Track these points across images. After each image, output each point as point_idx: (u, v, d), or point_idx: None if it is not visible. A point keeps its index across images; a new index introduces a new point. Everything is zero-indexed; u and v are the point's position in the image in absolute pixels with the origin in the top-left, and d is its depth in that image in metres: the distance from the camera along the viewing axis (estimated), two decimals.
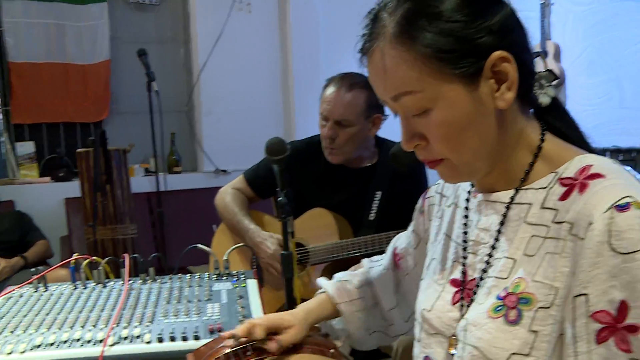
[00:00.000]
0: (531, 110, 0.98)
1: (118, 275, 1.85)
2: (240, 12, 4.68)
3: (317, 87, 2.35)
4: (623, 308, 0.76)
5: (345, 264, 2.00)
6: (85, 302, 1.62)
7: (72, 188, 3.76)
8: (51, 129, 4.37)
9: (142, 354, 1.36)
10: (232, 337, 1.13)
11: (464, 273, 1.00)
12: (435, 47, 0.86)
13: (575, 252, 0.81)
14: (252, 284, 1.78)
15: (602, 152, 0.94)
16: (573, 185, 0.86)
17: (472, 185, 1.05)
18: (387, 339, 1.36)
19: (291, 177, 2.26)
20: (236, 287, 1.75)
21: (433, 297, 1.03)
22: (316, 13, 4.75)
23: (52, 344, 1.37)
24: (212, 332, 1.40)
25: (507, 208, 0.93)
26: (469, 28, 0.86)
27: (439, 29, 0.86)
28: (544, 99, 0.95)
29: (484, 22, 0.87)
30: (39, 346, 1.36)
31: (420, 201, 1.24)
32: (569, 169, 0.89)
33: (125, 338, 1.40)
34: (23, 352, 1.33)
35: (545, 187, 0.90)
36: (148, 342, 1.38)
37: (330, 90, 2.19)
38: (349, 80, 2.16)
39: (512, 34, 0.89)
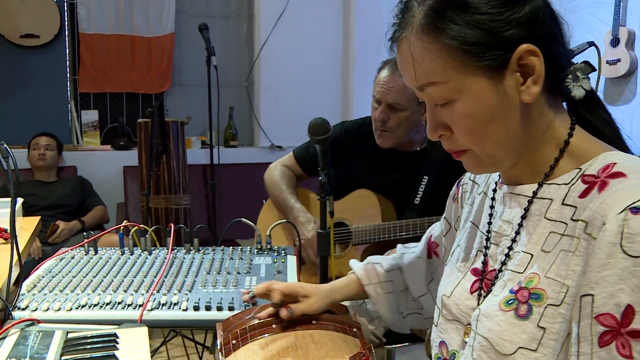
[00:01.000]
0: (564, 103, 0.95)
1: (164, 244, 1.92)
2: None
3: (377, 68, 2.33)
4: (629, 312, 0.73)
5: (387, 246, 2.01)
6: (130, 268, 1.69)
7: (131, 157, 3.89)
8: (115, 99, 4.52)
9: (178, 320, 1.42)
10: (248, 293, 1.16)
11: (484, 263, 0.99)
12: (461, 39, 0.84)
13: (587, 251, 0.80)
14: (291, 260, 1.82)
15: None
16: (594, 183, 0.83)
17: (500, 176, 1.04)
18: (423, 321, 1.36)
19: (340, 156, 2.27)
20: (276, 262, 1.79)
21: (453, 284, 1.03)
22: None
23: (95, 305, 1.44)
24: (246, 304, 1.44)
25: (530, 202, 0.92)
26: (496, 20, 0.84)
27: (466, 21, 0.84)
28: (577, 92, 0.92)
29: (513, 14, 0.84)
30: (83, 306, 1.43)
31: (454, 188, 1.23)
32: (593, 166, 0.86)
33: (164, 304, 1.46)
34: (69, 310, 1.40)
35: (567, 184, 0.88)
36: (185, 310, 1.43)
37: (385, 73, 2.18)
38: None
39: (541, 26, 0.87)
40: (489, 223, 1.01)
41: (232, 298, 1.48)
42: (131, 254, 1.82)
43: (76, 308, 1.42)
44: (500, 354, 0.85)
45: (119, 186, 4.09)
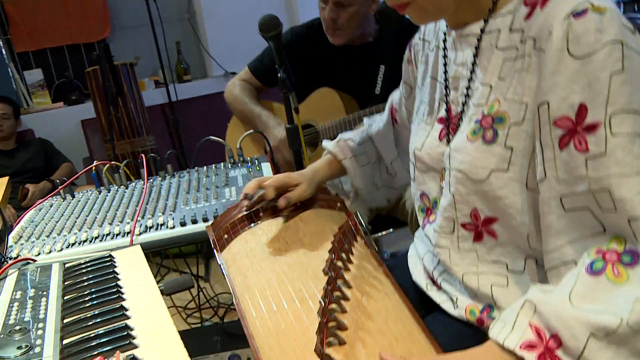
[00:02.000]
0: None
1: (139, 177, 1.94)
2: None
3: None
4: (582, 111, 0.78)
5: None
6: (110, 203, 1.71)
7: (87, 110, 3.82)
8: (56, 54, 4.37)
9: (168, 239, 1.46)
10: (245, 196, 1.20)
11: (448, 110, 1.03)
12: None
13: (540, 65, 0.84)
14: (266, 167, 1.85)
15: None
16: (536, 3, 0.87)
17: (447, 26, 1.06)
18: (393, 192, 1.43)
19: (295, 62, 2.27)
20: (251, 171, 1.82)
21: (423, 137, 1.07)
22: None
23: (85, 241, 1.47)
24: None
25: (479, 39, 0.95)
26: None
27: None
28: None
29: None
30: (73, 244, 1.46)
31: (406, 52, 1.26)
32: None
33: (151, 227, 1.50)
34: (60, 250, 1.43)
35: (511, 12, 0.91)
36: (172, 227, 1.48)
37: None
38: None
39: None
40: (445, 72, 1.05)
41: (216, 209, 1.53)
42: (108, 192, 1.84)
43: (67, 247, 1.46)
44: (476, 182, 0.91)
45: (80, 141, 4.03)
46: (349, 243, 1.10)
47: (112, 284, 1.09)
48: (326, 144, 1.40)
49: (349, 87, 2.28)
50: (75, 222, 1.61)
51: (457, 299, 1.01)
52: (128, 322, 0.94)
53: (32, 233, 1.56)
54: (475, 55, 0.96)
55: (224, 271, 1.12)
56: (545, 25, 0.82)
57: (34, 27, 4.24)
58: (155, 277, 1.12)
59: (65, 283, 1.13)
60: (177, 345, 0.87)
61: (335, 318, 0.90)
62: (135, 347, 0.87)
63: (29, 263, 1.29)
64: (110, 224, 1.56)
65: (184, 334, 0.88)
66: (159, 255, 2.64)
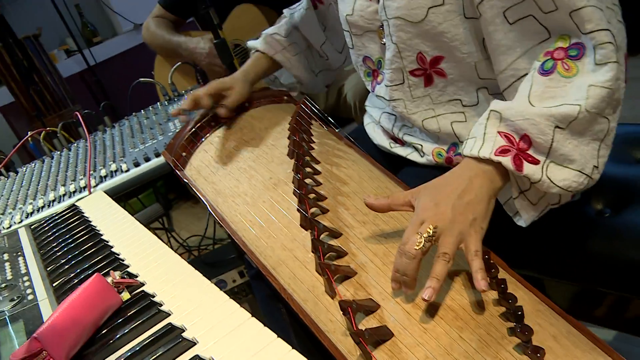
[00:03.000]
0: None
1: (79, 138, 1.89)
2: None
3: None
4: None
5: None
6: (58, 167, 1.67)
7: (2, 95, 3.63)
8: None
9: (127, 182, 1.44)
10: (181, 112, 1.20)
11: None
12: None
13: None
14: None
15: None
16: None
17: None
18: (330, 74, 1.43)
19: None
20: None
21: (351, 1, 1.06)
22: None
23: (43, 207, 1.44)
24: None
25: None
26: None
27: None
28: None
29: None
30: (31, 213, 1.43)
31: None
32: None
33: (106, 176, 1.47)
34: (20, 221, 1.40)
35: None
36: (127, 171, 1.46)
37: None
38: None
39: None
40: None
41: (165, 143, 1.51)
42: (52, 158, 1.78)
43: (26, 217, 1.42)
44: (415, 24, 0.92)
45: (5, 129, 3.85)
46: (306, 124, 1.11)
47: (85, 226, 1.08)
48: (252, 43, 1.38)
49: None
50: (28, 192, 1.57)
51: (422, 146, 1.04)
52: (113, 249, 0.94)
53: None
54: None
55: (191, 186, 1.12)
56: None
57: None
58: None
59: (37, 240, 1.12)
60: (167, 254, 0.88)
61: (312, 189, 0.92)
62: (127, 266, 0.88)
63: None
64: (64, 185, 1.52)
65: None
66: None
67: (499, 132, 0.79)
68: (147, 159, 1.47)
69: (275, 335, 0.63)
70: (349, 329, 0.71)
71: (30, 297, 0.87)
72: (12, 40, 2.86)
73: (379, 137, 1.16)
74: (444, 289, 0.74)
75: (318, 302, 0.78)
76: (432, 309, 0.71)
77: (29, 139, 1.84)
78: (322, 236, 0.84)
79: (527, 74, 0.84)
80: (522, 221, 0.85)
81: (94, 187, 1.44)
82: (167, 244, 2.41)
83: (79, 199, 1.35)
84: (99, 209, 1.18)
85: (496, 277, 0.75)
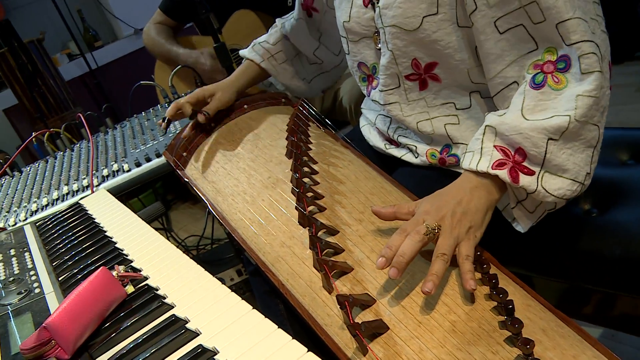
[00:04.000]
0: None
1: (81, 139, 1.92)
2: None
3: None
4: None
5: None
6: (61, 166, 1.70)
7: (6, 98, 3.66)
8: None
9: (128, 181, 1.47)
10: (163, 120, 1.24)
11: None
12: None
13: None
14: None
15: None
16: None
17: None
18: (327, 77, 1.46)
19: None
20: None
21: (347, 8, 1.09)
22: None
23: (47, 205, 1.47)
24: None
25: None
26: None
27: None
28: None
29: None
30: (35, 211, 1.46)
31: None
32: None
33: (108, 175, 1.50)
34: (25, 219, 1.43)
35: None
36: (128, 171, 1.49)
37: None
38: None
39: None
40: None
41: (165, 144, 1.54)
42: (55, 158, 1.81)
43: (30, 215, 1.45)
44: (410, 32, 0.95)
45: (8, 131, 3.87)
46: (304, 125, 1.14)
47: (89, 223, 1.11)
48: (242, 52, 1.42)
49: (262, 5, 2.27)
50: (32, 191, 1.60)
51: (416, 147, 1.08)
52: (116, 245, 0.97)
53: None
54: None
55: (192, 185, 1.15)
56: None
57: None
58: None
59: (43, 237, 1.14)
60: (169, 249, 0.91)
61: (310, 188, 0.95)
62: (131, 260, 0.90)
63: None
64: (67, 184, 1.55)
65: None
66: None
67: (495, 146, 0.83)
68: (148, 159, 1.50)
69: (276, 326, 0.66)
70: (345, 322, 0.74)
71: (37, 290, 0.90)
72: (17, 44, 2.89)
73: (374, 139, 1.19)
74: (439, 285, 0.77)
75: (316, 297, 0.81)
76: (426, 304, 0.74)
77: (33, 139, 1.86)
78: (319, 233, 0.87)
79: (515, 82, 0.88)
80: (520, 227, 0.89)
81: (97, 186, 1.47)
82: None
83: (82, 198, 1.37)
84: (102, 207, 1.21)
85: (488, 273, 0.78)
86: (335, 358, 0.74)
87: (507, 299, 0.72)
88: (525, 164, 0.82)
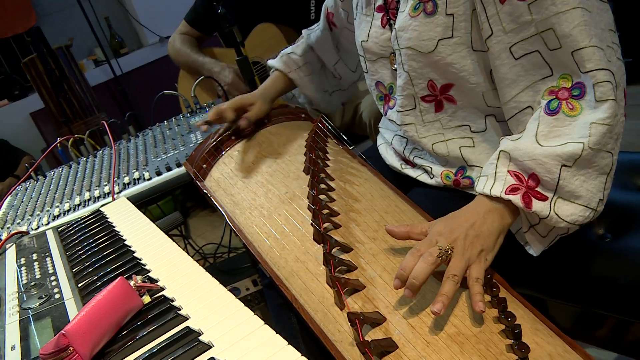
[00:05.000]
0: None
1: (104, 146, 1.96)
2: None
3: None
4: None
5: None
6: (84, 172, 1.74)
7: (33, 101, 3.73)
8: None
9: (148, 189, 1.50)
10: (206, 123, 1.26)
11: None
12: None
13: None
14: None
15: None
16: None
17: None
18: (345, 94, 1.49)
19: (227, 3, 2.27)
20: None
21: (366, 28, 1.11)
22: None
23: (68, 210, 1.50)
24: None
25: None
26: None
27: None
28: None
29: None
30: (58, 216, 1.49)
31: None
32: None
33: (129, 183, 1.53)
34: (47, 223, 1.46)
35: None
36: (149, 179, 1.52)
37: None
38: None
39: None
40: None
41: (186, 154, 1.57)
42: (78, 164, 1.85)
43: (52, 220, 1.49)
44: (426, 54, 0.97)
45: (34, 133, 3.95)
46: (322, 142, 1.16)
47: (109, 231, 1.14)
48: (271, 62, 1.44)
49: (285, 18, 2.30)
50: (55, 196, 1.63)
51: (431, 169, 1.09)
52: (135, 255, 1.00)
53: (16, 215, 1.59)
54: None
55: (210, 197, 1.17)
56: None
57: None
58: None
59: (64, 242, 1.17)
60: (186, 261, 0.93)
61: (326, 205, 0.97)
62: (148, 271, 0.93)
63: (22, 236, 1.32)
64: (89, 190, 1.59)
65: None
66: None
67: (509, 171, 0.85)
68: (169, 169, 1.53)
69: (286, 342, 0.67)
70: (355, 339, 0.75)
71: (57, 295, 0.92)
72: (46, 50, 2.96)
73: (390, 158, 1.20)
74: (448, 306, 0.78)
75: (327, 313, 0.83)
76: (435, 324, 0.76)
77: (58, 144, 1.91)
78: (333, 250, 0.89)
79: (529, 106, 0.89)
80: (533, 251, 0.90)
81: (118, 193, 1.50)
82: (184, 250, 2.48)
83: (103, 205, 1.41)
84: (122, 215, 1.24)
85: (497, 296, 0.78)
86: None
87: (515, 322, 0.73)
88: (538, 189, 0.83)
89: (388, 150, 1.22)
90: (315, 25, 1.43)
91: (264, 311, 1.95)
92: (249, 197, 1.09)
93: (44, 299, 0.92)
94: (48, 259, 1.09)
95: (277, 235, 0.98)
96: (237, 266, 2.12)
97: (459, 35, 0.93)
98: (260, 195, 1.08)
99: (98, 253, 1.05)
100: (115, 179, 1.58)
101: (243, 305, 0.77)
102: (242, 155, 1.22)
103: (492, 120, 1.01)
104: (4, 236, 1.47)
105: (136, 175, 1.55)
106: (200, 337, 0.71)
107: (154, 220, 2.47)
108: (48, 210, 1.55)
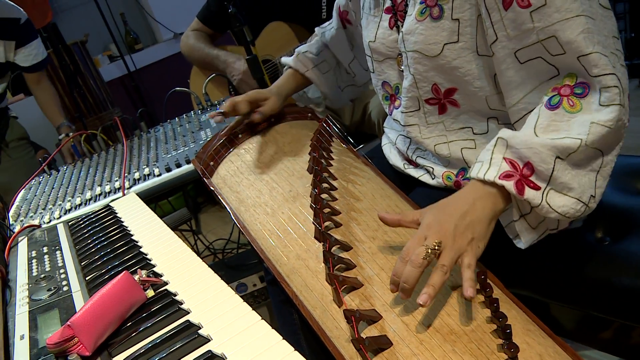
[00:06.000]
0: None
1: (116, 142, 1.99)
2: None
3: None
4: None
5: None
6: (96, 167, 1.77)
7: None
8: None
9: (158, 185, 1.53)
10: (221, 114, 1.28)
11: None
12: None
13: None
14: None
15: None
16: None
17: None
18: (356, 90, 1.51)
19: (239, 2, 2.29)
20: None
21: (374, 29, 1.13)
22: None
23: (80, 205, 1.53)
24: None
25: None
26: None
27: None
28: None
29: None
30: (69, 210, 1.52)
31: None
32: None
33: (139, 179, 1.56)
34: (59, 217, 1.50)
35: None
36: (159, 175, 1.54)
37: None
38: None
39: None
40: None
41: (196, 151, 1.59)
42: (90, 159, 1.89)
43: (64, 213, 1.52)
44: (431, 58, 0.98)
45: (48, 128, 3.97)
46: (326, 142, 1.18)
47: (117, 226, 1.17)
48: (286, 59, 1.46)
49: (296, 17, 2.32)
50: (67, 190, 1.67)
51: (433, 169, 1.11)
52: (141, 250, 1.02)
53: (29, 208, 1.62)
54: None
55: (217, 194, 1.20)
56: None
57: None
58: None
59: (74, 236, 1.20)
60: (190, 257, 0.95)
61: (327, 204, 0.99)
62: (154, 266, 0.95)
63: (34, 229, 1.35)
64: (100, 185, 1.62)
65: None
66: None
67: (504, 158, 0.85)
68: (179, 165, 1.56)
69: (281, 337, 0.70)
70: (351, 336, 0.78)
71: (65, 288, 0.95)
72: (62, 45, 3.00)
73: (394, 158, 1.22)
74: (441, 305, 0.80)
75: (326, 310, 0.85)
76: (429, 323, 0.77)
77: (71, 140, 1.94)
78: (333, 249, 0.91)
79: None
80: (522, 243, 0.91)
81: (128, 188, 1.53)
82: (194, 246, 2.51)
83: (113, 200, 1.44)
84: (131, 211, 1.26)
85: (490, 296, 0.80)
86: None
87: (506, 323, 0.75)
88: (532, 178, 0.84)
89: (392, 150, 1.24)
90: (327, 23, 1.45)
91: (270, 307, 1.98)
92: (253, 194, 1.12)
93: (53, 291, 0.94)
94: (58, 252, 1.12)
95: (279, 232, 1.00)
96: (245, 262, 2.15)
97: (464, 40, 0.94)
98: (265, 193, 1.10)
99: (106, 247, 1.08)
100: (126, 174, 1.61)
101: (242, 301, 0.79)
102: (248, 153, 1.25)
103: (495, 122, 1.03)
104: (17, 229, 1.51)
105: (146, 171, 1.58)
106: (199, 331, 0.74)
107: (163, 216, 2.52)
108: (60, 204, 1.58)
